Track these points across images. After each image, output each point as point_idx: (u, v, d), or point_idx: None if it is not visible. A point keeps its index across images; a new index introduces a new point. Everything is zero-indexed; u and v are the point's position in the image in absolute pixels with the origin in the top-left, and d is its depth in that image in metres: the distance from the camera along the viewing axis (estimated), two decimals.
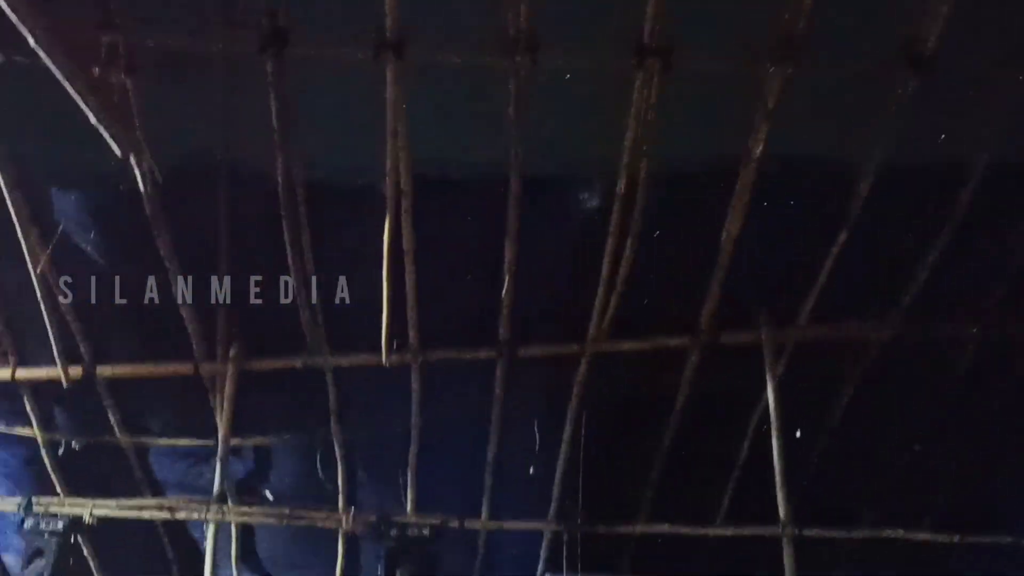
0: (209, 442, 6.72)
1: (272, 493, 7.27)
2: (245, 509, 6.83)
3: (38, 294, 5.99)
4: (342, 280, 6.03)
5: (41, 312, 6.10)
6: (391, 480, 7.04)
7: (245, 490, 7.09)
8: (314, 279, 5.99)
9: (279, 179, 5.31)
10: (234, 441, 6.65)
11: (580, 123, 5.17)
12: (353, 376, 6.55)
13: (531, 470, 6.93)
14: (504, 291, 5.96)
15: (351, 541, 7.29)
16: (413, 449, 6.89)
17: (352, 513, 6.91)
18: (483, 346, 6.43)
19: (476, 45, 4.61)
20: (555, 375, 6.56)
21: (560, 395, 6.65)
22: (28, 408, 6.77)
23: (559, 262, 5.97)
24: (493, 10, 4.48)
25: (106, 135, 4.86)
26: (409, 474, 7.00)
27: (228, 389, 6.48)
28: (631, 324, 6.25)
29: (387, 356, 6.27)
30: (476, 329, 6.37)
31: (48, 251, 5.78)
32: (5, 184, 5.42)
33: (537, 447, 6.82)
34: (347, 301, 6.04)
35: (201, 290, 6.08)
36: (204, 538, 7.22)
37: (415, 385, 6.56)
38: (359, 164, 5.34)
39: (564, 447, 6.82)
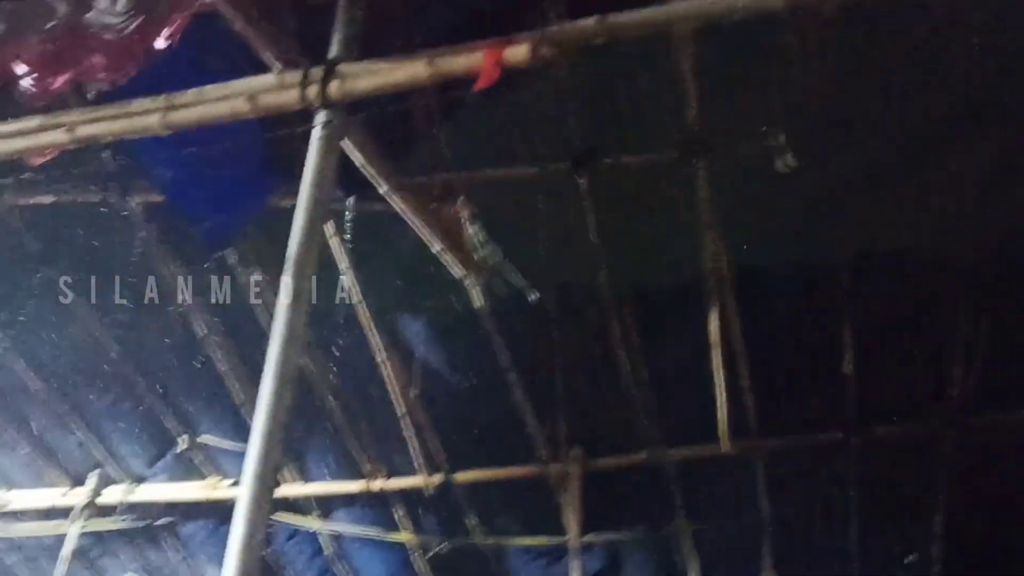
0: (562, 540, 6.89)
1: None
2: None
3: (399, 412, 6.60)
4: (674, 375, 6.05)
5: (402, 428, 6.71)
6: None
7: None
8: (646, 376, 6.07)
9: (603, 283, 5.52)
10: (585, 539, 6.77)
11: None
12: (696, 469, 6.47)
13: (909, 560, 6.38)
14: (845, 367, 5.67)
15: None
16: (767, 541, 6.62)
17: None
18: (829, 429, 6.10)
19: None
20: (911, 456, 6.05)
21: (921, 476, 6.11)
22: (398, 515, 7.38)
23: (901, 339, 5.57)
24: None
25: (446, 260, 5.37)
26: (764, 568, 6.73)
27: (574, 488, 6.66)
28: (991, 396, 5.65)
29: (728, 443, 6.13)
30: (818, 412, 6.07)
31: (403, 371, 6.40)
32: (363, 316, 6.10)
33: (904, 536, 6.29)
34: (681, 395, 6.05)
35: (541, 397, 6.37)
36: None
37: (760, 473, 6.34)
38: (678, 261, 5.39)
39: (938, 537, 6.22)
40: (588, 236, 5.18)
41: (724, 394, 5.88)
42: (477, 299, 5.86)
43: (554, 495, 6.89)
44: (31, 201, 5.84)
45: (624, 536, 7.06)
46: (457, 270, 5.53)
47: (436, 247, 5.28)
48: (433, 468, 7.01)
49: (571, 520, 6.77)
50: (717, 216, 4.88)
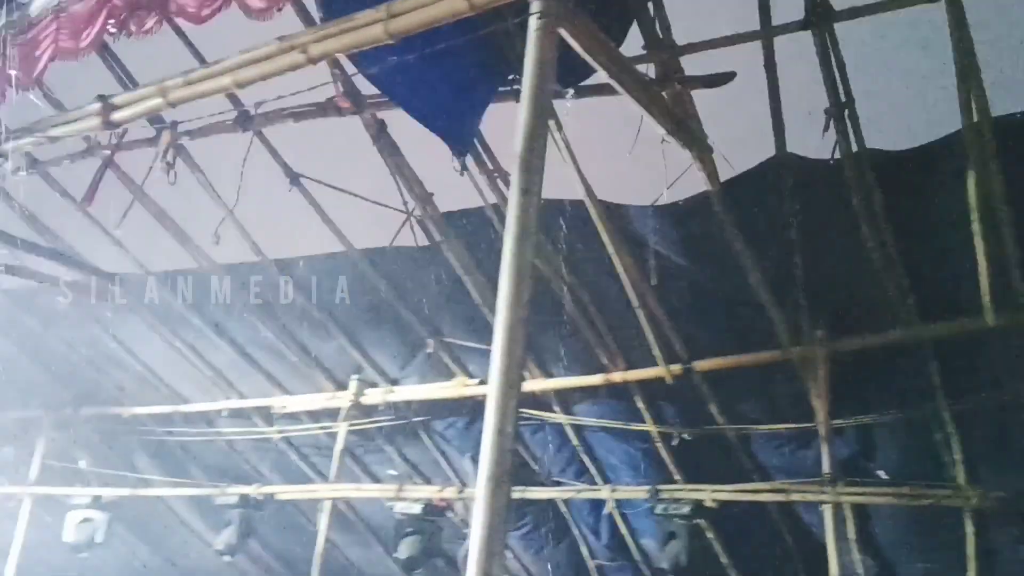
0: (809, 425, 6.70)
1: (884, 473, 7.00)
2: (861, 490, 6.64)
3: (634, 304, 6.59)
4: (924, 247, 5.63)
5: (639, 320, 6.71)
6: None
7: (852, 472, 6.92)
8: (895, 249, 5.68)
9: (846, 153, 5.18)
10: (834, 423, 6.55)
11: None
12: (955, 346, 6.04)
13: None
14: None
15: (980, 520, 6.69)
16: None
17: (979, 490, 6.33)
18: None
19: None
20: None
21: None
22: (639, 406, 7.45)
23: None
24: None
25: (670, 138, 5.23)
26: None
27: (821, 372, 6.43)
28: None
29: (992, 317, 5.64)
30: None
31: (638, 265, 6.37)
32: (592, 209, 6.09)
33: None
34: (936, 267, 5.62)
35: (780, 279, 6.15)
36: (815, 521, 7.25)
37: None
38: (930, 117, 4.94)
39: None
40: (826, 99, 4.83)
41: (985, 263, 5.39)
42: (705, 181, 5.69)
43: (799, 380, 6.68)
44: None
45: (877, 419, 6.74)
46: (684, 151, 5.38)
47: (661, 130, 5.15)
48: (672, 358, 6.99)
49: (818, 404, 6.55)
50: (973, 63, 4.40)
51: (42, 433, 10.64)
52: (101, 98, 5.58)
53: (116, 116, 5.59)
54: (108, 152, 5.85)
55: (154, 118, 6.02)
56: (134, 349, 9.29)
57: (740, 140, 5.57)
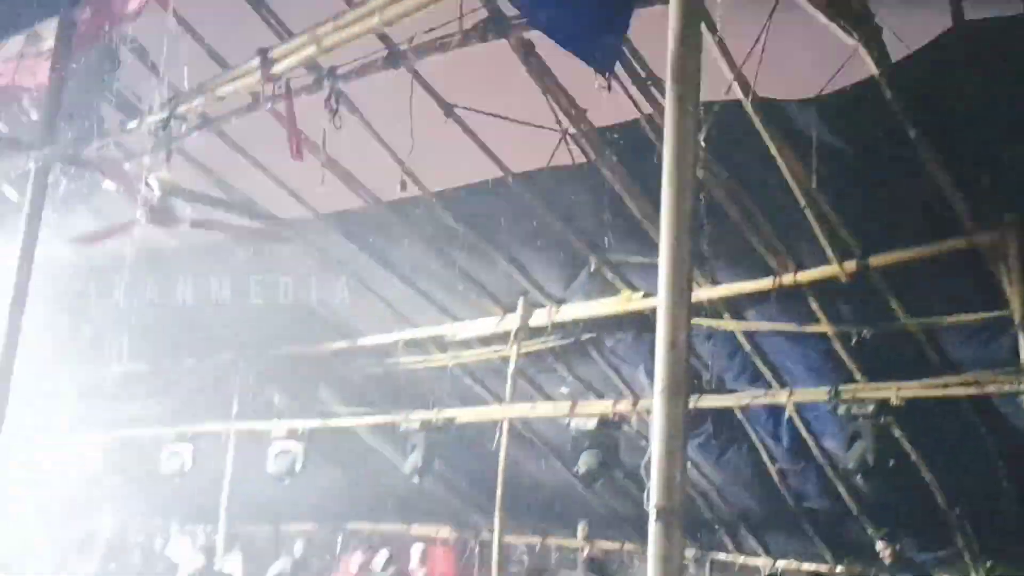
0: (1001, 313, 6.34)
1: None
2: None
3: (802, 203, 6.36)
4: None
5: (808, 219, 6.48)
6: None
7: None
8: None
9: None
10: None
11: None
12: None
13: None
14: None
15: None
16: None
17: None
18: None
19: None
20: None
21: None
22: (813, 307, 7.24)
23: None
24: None
25: (834, 27, 4.95)
26: None
27: (1012, 257, 6.05)
28: None
29: None
30: None
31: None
32: (750, 109, 5.87)
33: None
34: None
35: (959, 162, 5.78)
36: (1013, 413, 6.91)
37: None
38: None
39: None
40: None
41: None
42: (872, 66, 5.36)
43: (987, 267, 6.32)
44: None
45: None
46: (847, 36, 5.08)
47: (822, 18, 4.88)
48: (845, 255, 6.74)
49: (1012, 292, 6.19)
50: None
51: (239, 374, 11.46)
52: (261, 52, 5.80)
53: (276, 69, 5.80)
54: (274, 100, 6.05)
55: (311, 65, 6.20)
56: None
57: (909, 15, 5.19)
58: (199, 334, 10.81)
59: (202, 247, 8.84)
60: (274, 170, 7.93)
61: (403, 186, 6.87)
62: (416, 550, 10.66)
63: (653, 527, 3.82)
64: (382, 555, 10.89)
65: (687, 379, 3.95)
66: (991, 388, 6.58)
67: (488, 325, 9.12)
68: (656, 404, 3.91)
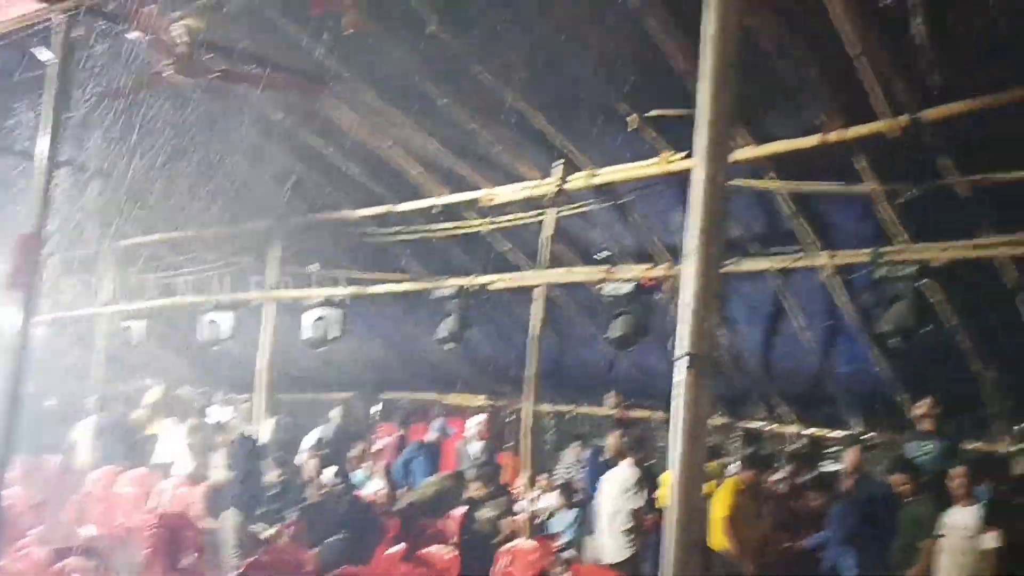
0: None
1: None
2: None
3: (852, 52, 6.09)
4: None
5: (857, 70, 6.21)
6: None
7: None
8: None
9: None
10: None
11: None
12: None
13: None
14: None
15: None
16: None
17: None
18: None
19: None
20: None
21: None
22: (860, 165, 7.03)
23: None
24: None
25: None
26: None
27: None
28: None
29: None
30: None
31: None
32: None
33: None
34: None
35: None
36: None
37: None
38: None
39: None
40: None
41: None
42: None
43: None
44: None
45: None
46: None
47: None
48: (896, 110, 6.48)
49: None
50: None
51: (275, 241, 11.52)
52: None
53: None
54: None
55: None
56: (344, 154, 9.70)
57: None
58: (235, 200, 10.80)
59: (235, 104, 8.71)
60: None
61: None
62: (473, 422, 10.78)
63: (682, 374, 3.79)
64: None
65: (721, 242, 3.88)
66: None
67: (524, 190, 8.99)
68: (687, 268, 3.84)
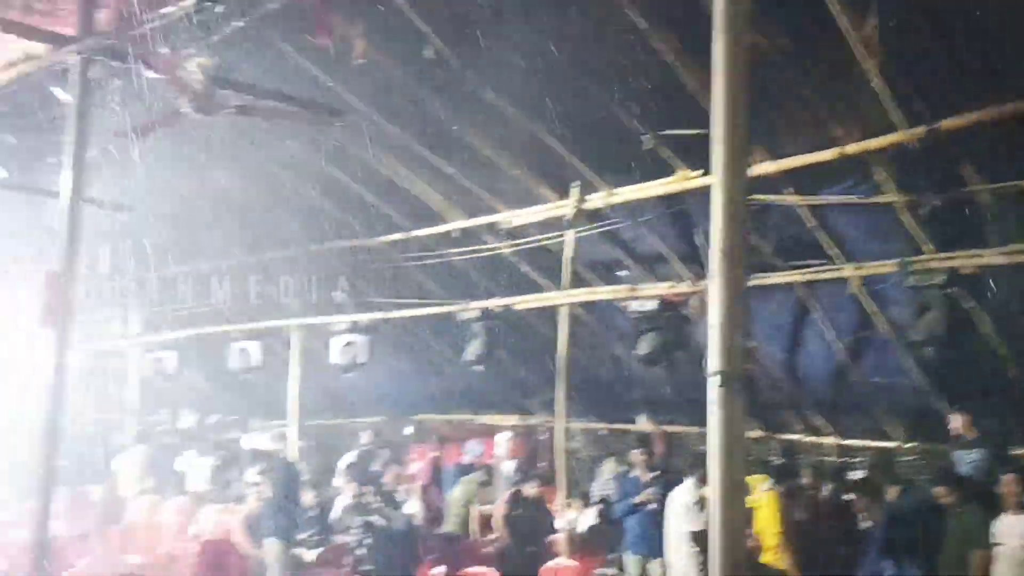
0: None
1: None
2: None
3: (866, 66, 6.01)
4: None
5: (872, 83, 6.12)
6: None
7: None
8: None
9: None
10: None
11: None
12: None
13: None
14: None
15: None
16: None
17: None
18: None
19: None
20: None
21: None
22: (879, 177, 6.92)
23: None
24: None
25: None
26: None
27: None
28: None
29: None
30: None
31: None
32: None
33: None
34: None
35: None
36: None
37: None
38: None
39: None
40: None
41: None
42: None
43: None
44: None
45: None
46: None
47: None
48: (913, 120, 6.37)
49: None
50: None
51: (299, 270, 11.59)
52: None
53: None
54: None
55: None
56: (363, 182, 9.73)
57: None
58: (258, 231, 10.91)
59: (249, 139, 8.79)
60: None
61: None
62: (502, 438, 10.86)
63: (714, 393, 3.77)
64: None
65: (744, 256, 3.85)
66: None
67: (542, 211, 8.97)
68: (712, 284, 3.81)
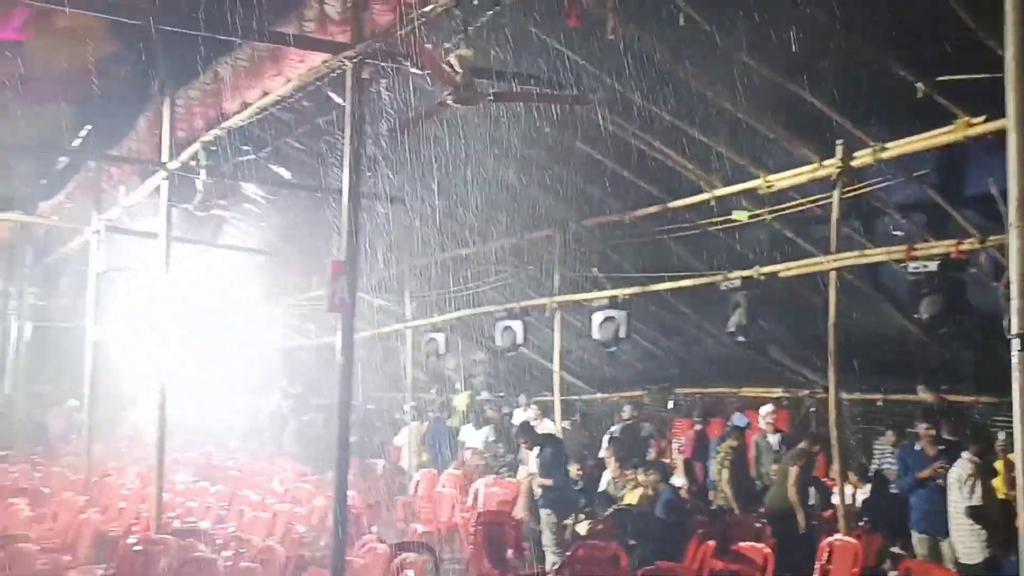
0: None
1: None
2: None
3: None
4: None
5: None
6: None
7: None
8: None
9: None
10: None
11: None
12: None
13: None
14: None
15: None
16: None
17: None
18: None
19: None
20: None
21: None
22: None
23: None
24: None
25: None
26: None
27: None
28: None
29: None
30: None
31: None
32: None
33: None
34: None
35: None
36: None
37: None
38: None
39: None
40: None
41: None
42: None
43: None
44: None
45: None
46: None
47: None
48: None
49: None
50: None
51: (556, 247, 11.88)
52: None
53: None
54: None
55: None
56: (616, 159, 9.76)
57: None
58: (519, 214, 11.27)
59: (506, 125, 9.06)
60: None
61: None
62: (766, 411, 10.63)
63: (1017, 356, 3.49)
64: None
65: None
66: None
67: (805, 173, 8.55)
68: (1013, 227, 3.52)
